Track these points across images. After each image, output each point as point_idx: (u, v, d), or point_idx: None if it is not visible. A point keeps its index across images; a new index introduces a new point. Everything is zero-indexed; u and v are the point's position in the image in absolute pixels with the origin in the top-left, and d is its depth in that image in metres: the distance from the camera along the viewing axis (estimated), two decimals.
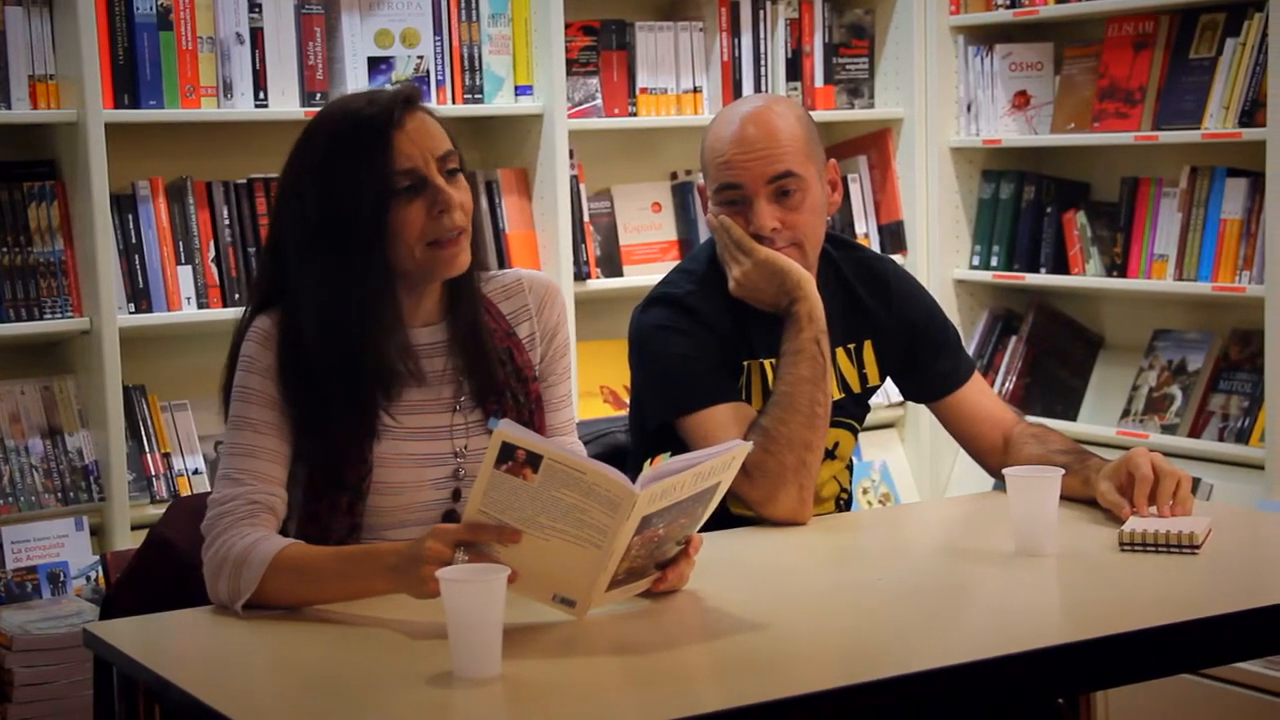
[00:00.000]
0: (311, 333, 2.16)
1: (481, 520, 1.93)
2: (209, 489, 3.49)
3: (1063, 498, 2.29)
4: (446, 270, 2.21)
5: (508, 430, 1.89)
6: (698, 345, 2.53)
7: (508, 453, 1.89)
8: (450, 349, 2.28)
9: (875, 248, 4.28)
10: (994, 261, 4.32)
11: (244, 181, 3.65)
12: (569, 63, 3.93)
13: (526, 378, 2.30)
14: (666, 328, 2.55)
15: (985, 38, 4.29)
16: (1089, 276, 4.12)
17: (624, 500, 1.88)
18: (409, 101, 2.20)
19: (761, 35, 4.18)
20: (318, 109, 3.56)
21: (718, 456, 1.99)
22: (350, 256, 2.16)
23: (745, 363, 2.59)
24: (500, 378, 2.27)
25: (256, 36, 3.62)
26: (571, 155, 3.91)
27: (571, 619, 1.98)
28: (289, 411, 2.18)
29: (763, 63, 4.18)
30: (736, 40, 4.15)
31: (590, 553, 1.92)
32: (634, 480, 1.90)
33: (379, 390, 2.19)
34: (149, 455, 3.55)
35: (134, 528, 3.43)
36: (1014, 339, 4.35)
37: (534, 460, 1.88)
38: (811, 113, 3.75)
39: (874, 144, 4.40)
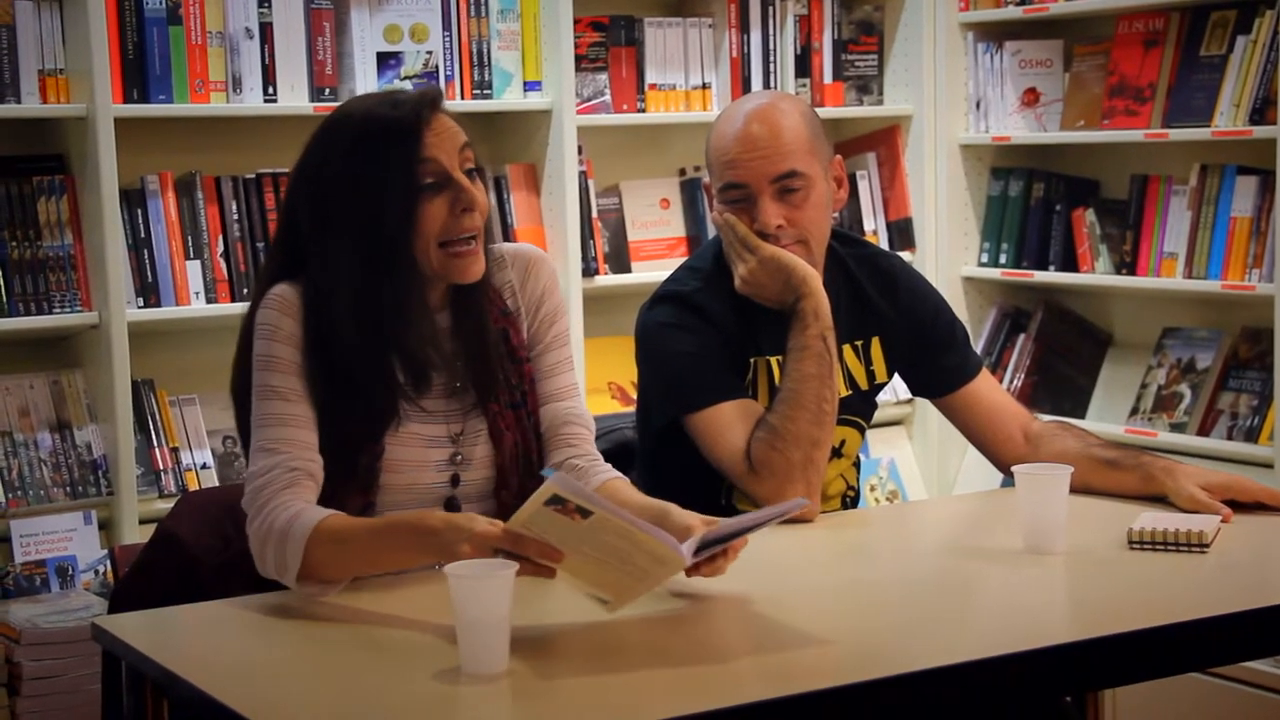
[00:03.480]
0: (345, 327, 2.17)
1: (524, 534, 1.91)
2: (217, 483, 3.52)
3: (1111, 494, 2.28)
4: (461, 277, 2.22)
5: (559, 486, 1.85)
6: (704, 343, 2.53)
7: (557, 500, 1.87)
8: (453, 335, 2.28)
9: (884, 244, 4.28)
10: (1002, 259, 4.31)
11: (253, 176, 3.65)
12: (578, 59, 3.92)
13: (520, 359, 2.31)
14: (673, 325, 2.55)
15: (995, 34, 4.28)
16: (1098, 274, 4.12)
17: (671, 563, 1.89)
18: (434, 103, 2.20)
19: (770, 32, 4.17)
20: (327, 104, 3.64)
21: (774, 520, 2.01)
22: (379, 252, 2.16)
23: (752, 360, 2.59)
24: (494, 363, 2.27)
25: (266, 31, 3.62)
26: (580, 151, 3.91)
27: (600, 610, 1.98)
28: (311, 386, 2.18)
29: (772, 59, 4.18)
30: (745, 37, 4.15)
31: (627, 579, 1.92)
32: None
33: (410, 381, 2.21)
34: (157, 450, 3.55)
35: (142, 522, 3.44)
36: (1022, 337, 4.35)
37: (584, 511, 1.87)
38: (820, 109, 3.75)
39: (883, 141, 4.40)
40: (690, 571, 2.04)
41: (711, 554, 2.03)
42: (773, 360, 2.57)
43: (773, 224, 2.52)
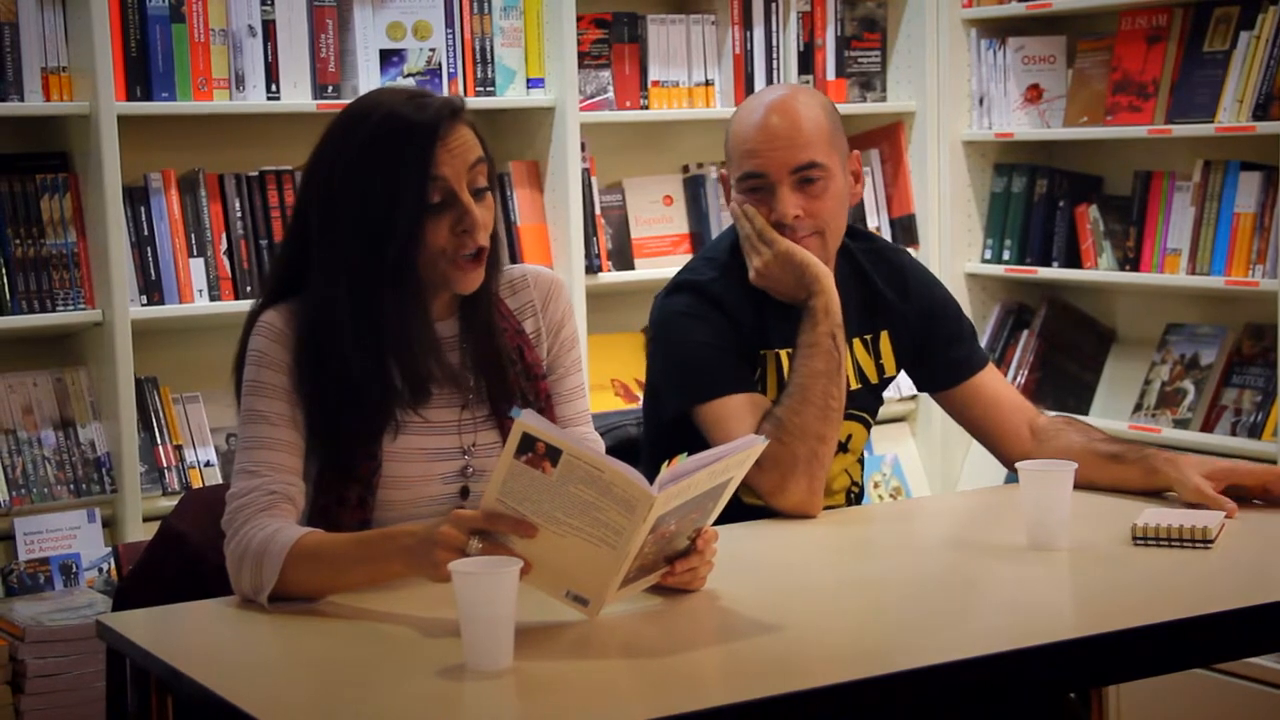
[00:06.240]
0: (345, 331, 2.16)
1: (499, 509, 1.92)
2: (221, 481, 3.52)
3: (1115, 490, 2.27)
4: (460, 288, 2.22)
5: (529, 421, 1.88)
6: (718, 334, 2.54)
7: (528, 444, 1.88)
8: (462, 345, 2.28)
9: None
10: (1006, 255, 4.31)
11: (256, 174, 3.65)
12: (581, 55, 3.92)
13: (535, 375, 2.31)
14: (689, 315, 2.55)
15: (998, 31, 4.28)
16: (1101, 270, 4.12)
17: (640, 502, 1.88)
18: (456, 113, 2.20)
19: (774, 28, 4.17)
20: (330, 101, 3.64)
21: (733, 455, 1.99)
22: (384, 264, 2.16)
23: (762, 353, 2.59)
24: (510, 376, 2.28)
25: (268, 29, 3.62)
26: (583, 148, 3.91)
27: (584, 617, 1.98)
28: (301, 406, 2.18)
29: (775, 56, 4.18)
30: (748, 33, 4.14)
31: (605, 552, 1.91)
32: (651, 479, 1.89)
33: (408, 389, 2.20)
34: (161, 447, 3.56)
35: (146, 519, 3.44)
36: (1026, 333, 4.35)
37: (553, 454, 1.88)
38: None
39: (886, 137, 4.40)
40: (665, 578, 2.03)
41: (687, 560, 2.02)
42: (782, 354, 2.57)
43: (791, 214, 2.52)
